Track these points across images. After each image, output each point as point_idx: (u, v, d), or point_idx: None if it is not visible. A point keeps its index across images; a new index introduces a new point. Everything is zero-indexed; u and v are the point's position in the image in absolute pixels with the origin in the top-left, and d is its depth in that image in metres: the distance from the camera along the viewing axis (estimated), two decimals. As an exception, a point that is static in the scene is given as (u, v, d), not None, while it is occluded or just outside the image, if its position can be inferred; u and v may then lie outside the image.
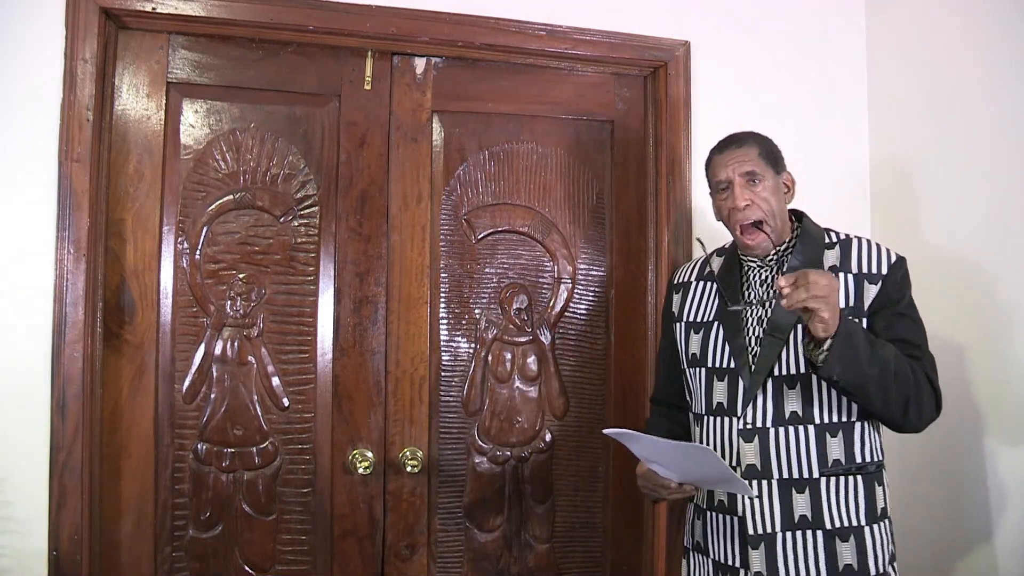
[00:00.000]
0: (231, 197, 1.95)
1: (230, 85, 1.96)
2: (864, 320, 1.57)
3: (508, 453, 2.09)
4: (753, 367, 1.59)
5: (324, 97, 2.01)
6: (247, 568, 1.92)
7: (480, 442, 2.07)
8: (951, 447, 1.92)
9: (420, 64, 2.07)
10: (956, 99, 2.01)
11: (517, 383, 2.10)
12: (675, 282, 1.84)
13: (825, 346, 1.42)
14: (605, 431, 1.52)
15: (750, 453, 1.57)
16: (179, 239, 1.91)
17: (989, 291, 1.88)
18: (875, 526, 1.57)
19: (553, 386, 2.13)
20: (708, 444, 1.63)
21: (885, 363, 1.45)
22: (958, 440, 1.89)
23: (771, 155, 1.64)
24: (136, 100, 1.89)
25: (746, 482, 1.52)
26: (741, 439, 1.58)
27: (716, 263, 1.77)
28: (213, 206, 1.93)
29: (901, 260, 1.62)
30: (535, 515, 2.10)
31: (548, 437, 2.12)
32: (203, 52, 1.94)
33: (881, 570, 1.55)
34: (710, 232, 2.09)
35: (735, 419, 1.59)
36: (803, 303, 1.37)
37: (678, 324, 1.77)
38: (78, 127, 1.77)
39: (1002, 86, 1.88)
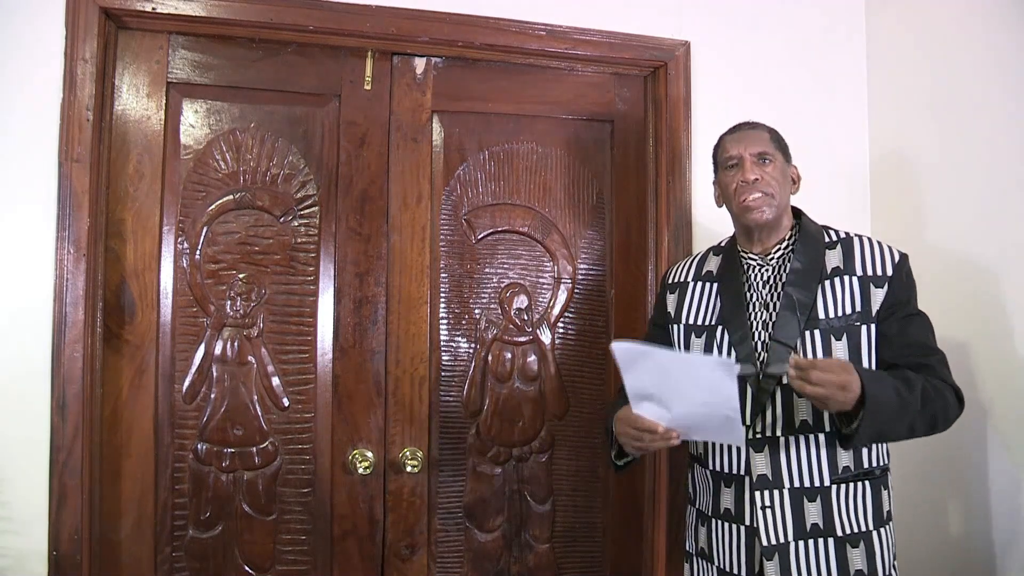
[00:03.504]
0: (231, 197, 1.95)
1: (230, 85, 1.96)
2: (872, 326, 1.56)
3: (508, 453, 2.09)
4: (762, 374, 1.57)
5: (324, 97, 2.01)
6: (247, 568, 1.92)
7: (480, 442, 2.07)
8: (954, 446, 1.91)
9: (420, 64, 2.07)
10: (956, 97, 2.01)
11: (517, 383, 2.10)
12: (670, 281, 1.81)
13: (854, 425, 1.42)
14: (613, 345, 1.42)
15: (761, 463, 1.55)
16: (179, 239, 1.91)
17: (991, 289, 1.88)
18: (881, 530, 1.57)
19: (553, 386, 2.13)
20: (715, 451, 1.62)
21: (914, 409, 1.45)
22: (961, 439, 1.89)
23: (780, 143, 1.67)
24: (136, 100, 1.89)
25: (742, 430, 1.46)
26: (751, 449, 1.56)
27: (713, 262, 1.75)
28: (213, 206, 1.93)
29: (904, 258, 1.62)
30: (535, 515, 2.10)
31: (548, 437, 2.12)
32: (203, 52, 1.94)
33: (887, 572, 1.55)
34: (709, 232, 2.09)
35: (744, 428, 1.57)
36: (802, 393, 1.39)
37: (676, 326, 1.74)
38: (78, 127, 1.77)
39: (1003, 83, 1.88)
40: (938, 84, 2.06)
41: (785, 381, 1.42)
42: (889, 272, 1.58)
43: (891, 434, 1.48)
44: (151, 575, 1.86)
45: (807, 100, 2.25)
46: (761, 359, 1.58)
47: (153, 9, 1.84)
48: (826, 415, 1.54)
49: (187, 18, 1.87)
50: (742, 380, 1.58)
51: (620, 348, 1.41)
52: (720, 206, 1.72)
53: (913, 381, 1.48)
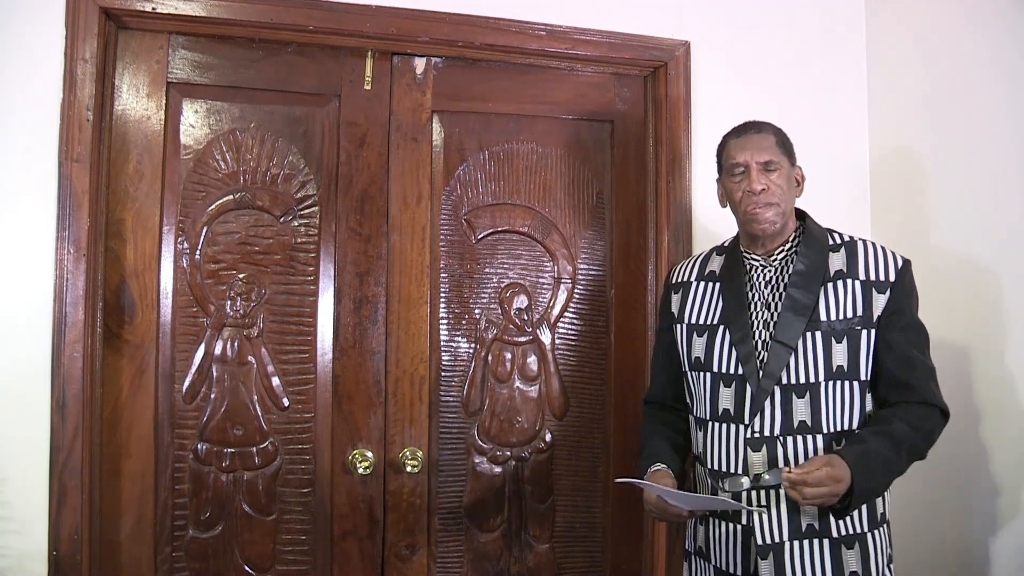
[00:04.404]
0: (231, 197, 1.95)
1: (230, 85, 1.96)
2: (872, 331, 1.57)
3: (508, 453, 2.09)
4: (761, 374, 1.58)
5: (324, 97, 2.01)
6: (247, 568, 1.92)
7: (480, 442, 2.07)
8: (953, 449, 1.91)
9: (420, 64, 2.07)
10: (956, 96, 2.01)
11: (517, 383, 2.10)
12: (673, 281, 1.82)
13: (845, 503, 1.46)
14: (618, 481, 1.59)
15: (758, 462, 1.56)
16: (179, 239, 1.91)
17: (992, 291, 1.88)
18: (876, 532, 1.57)
19: (553, 386, 2.13)
20: (713, 450, 1.62)
21: (900, 466, 1.52)
22: (961, 441, 1.89)
23: (786, 146, 1.66)
24: (136, 100, 1.89)
25: (760, 504, 1.56)
26: (749, 448, 1.56)
27: (716, 262, 1.75)
28: (213, 206, 1.93)
29: (907, 264, 1.62)
30: (535, 515, 2.10)
31: (548, 437, 2.12)
32: (203, 52, 1.94)
33: (881, 573, 1.56)
34: (710, 232, 2.09)
35: (742, 427, 1.58)
36: (804, 503, 1.45)
37: (679, 325, 1.75)
38: (78, 127, 1.77)
39: (1003, 82, 1.88)
40: (938, 84, 2.06)
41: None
42: (892, 278, 1.59)
43: (880, 495, 1.58)
44: (151, 575, 1.86)
45: (807, 100, 2.25)
46: (761, 358, 1.59)
47: (153, 9, 1.84)
48: (824, 416, 1.55)
49: (187, 18, 1.87)
50: (741, 379, 1.59)
51: (630, 483, 1.58)
52: (724, 206, 1.72)
53: (901, 440, 1.51)
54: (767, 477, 1.52)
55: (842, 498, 1.45)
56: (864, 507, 1.56)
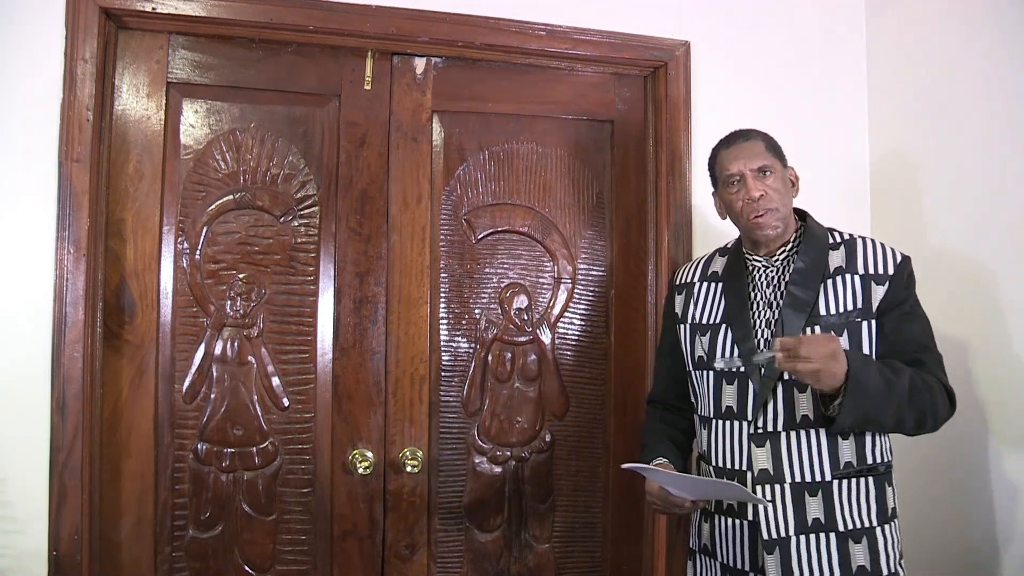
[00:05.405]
0: (231, 197, 1.95)
1: (230, 85, 1.96)
2: (872, 322, 1.57)
3: (508, 453, 2.09)
4: (763, 370, 1.58)
5: (324, 97, 2.01)
6: (247, 568, 1.92)
7: (480, 442, 2.07)
8: (955, 446, 1.91)
9: (420, 64, 2.07)
10: (956, 97, 2.01)
11: (517, 383, 2.10)
12: (677, 283, 1.84)
13: (836, 402, 1.44)
14: (624, 466, 1.57)
15: (762, 457, 1.56)
16: (179, 239, 1.91)
17: (991, 289, 1.88)
18: (886, 526, 1.57)
19: (553, 386, 2.13)
20: (718, 447, 1.63)
21: (900, 395, 1.46)
22: (962, 439, 1.89)
23: (776, 149, 1.68)
24: (136, 100, 1.89)
25: (765, 498, 1.55)
26: (753, 443, 1.57)
27: (719, 263, 1.77)
28: (213, 206, 1.93)
29: (906, 259, 1.63)
30: (535, 515, 2.10)
31: (548, 437, 2.12)
32: (203, 52, 1.94)
33: (892, 570, 1.56)
34: (710, 232, 2.09)
35: (746, 423, 1.59)
36: (795, 373, 1.41)
37: (682, 325, 1.76)
38: (78, 127, 1.77)
39: (1003, 82, 1.88)
40: (938, 84, 2.06)
41: (766, 363, 1.49)
42: (890, 271, 1.60)
43: (876, 419, 1.48)
44: (151, 575, 1.86)
45: (807, 100, 2.25)
46: None
47: (153, 9, 1.84)
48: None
49: (187, 18, 1.87)
50: (743, 376, 1.60)
51: (633, 467, 1.56)
52: (724, 218, 1.73)
53: (901, 369, 1.49)
54: (762, 355, 1.51)
55: (833, 408, 1.45)
56: (872, 500, 1.55)
